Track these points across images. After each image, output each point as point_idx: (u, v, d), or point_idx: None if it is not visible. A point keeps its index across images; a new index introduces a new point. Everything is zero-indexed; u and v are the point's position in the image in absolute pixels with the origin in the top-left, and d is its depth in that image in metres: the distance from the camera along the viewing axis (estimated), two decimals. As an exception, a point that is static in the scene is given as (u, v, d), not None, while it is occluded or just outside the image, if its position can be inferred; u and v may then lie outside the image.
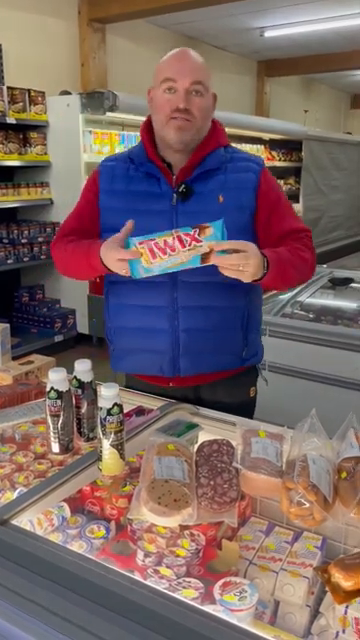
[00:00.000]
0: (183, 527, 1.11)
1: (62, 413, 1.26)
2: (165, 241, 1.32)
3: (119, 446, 1.17)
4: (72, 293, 5.21)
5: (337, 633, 0.96)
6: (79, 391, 1.31)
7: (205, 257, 1.32)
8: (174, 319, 1.55)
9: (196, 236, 1.31)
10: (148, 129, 1.59)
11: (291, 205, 1.66)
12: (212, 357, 1.59)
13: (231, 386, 1.67)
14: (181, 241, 1.31)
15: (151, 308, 1.56)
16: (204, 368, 1.60)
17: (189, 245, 1.31)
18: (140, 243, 1.33)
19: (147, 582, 0.94)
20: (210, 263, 1.33)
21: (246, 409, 1.68)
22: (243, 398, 1.71)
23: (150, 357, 1.60)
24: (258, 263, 1.34)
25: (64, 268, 1.65)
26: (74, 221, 1.67)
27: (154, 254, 1.33)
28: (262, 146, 7.45)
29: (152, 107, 1.55)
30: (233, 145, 1.66)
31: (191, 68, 1.48)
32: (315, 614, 1.03)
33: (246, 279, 1.35)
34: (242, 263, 1.32)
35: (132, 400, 1.55)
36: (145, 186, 1.54)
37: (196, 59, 1.51)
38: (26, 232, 4.81)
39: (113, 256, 1.37)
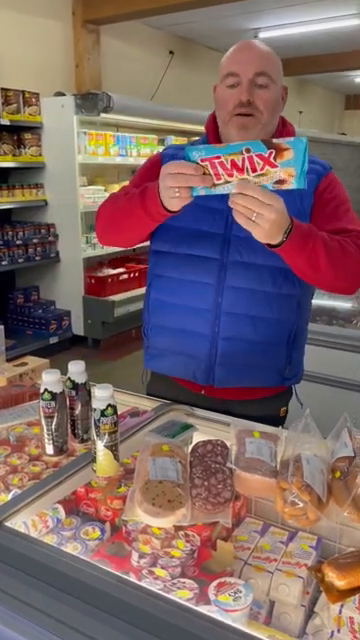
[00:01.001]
0: (178, 528, 1.11)
1: (56, 414, 1.26)
2: (233, 161, 1.12)
3: (113, 447, 1.17)
4: (67, 294, 5.20)
5: (332, 633, 0.96)
6: (73, 392, 1.31)
7: (277, 186, 1.13)
8: (215, 325, 1.46)
9: (271, 159, 1.11)
10: (213, 123, 1.50)
11: (350, 207, 1.48)
12: (252, 371, 1.49)
13: (264, 404, 1.56)
14: (252, 163, 1.11)
15: (192, 310, 1.48)
16: (241, 382, 1.50)
17: (261, 169, 1.11)
18: (203, 160, 1.14)
19: (142, 583, 0.93)
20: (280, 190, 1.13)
21: (273, 425, 1.56)
22: (272, 416, 1.56)
23: (185, 361, 1.52)
24: (278, 222, 1.17)
25: (109, 216, 1.47)
26: (132, 187, 1.48)
27: (218, 175, 1.14)
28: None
29: (216, 104, 1.45)
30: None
31: (254, 58, 1.37)
32: (310, 614, 1.03)
33: (259, 236, 1.19)
34: (256, 210, 1.14)
35: (126, 401, 1.55)
36: None
37: (261, 48, 1.40)
38: (21, 233, 4.80)
39: (171, 170, 1.19)
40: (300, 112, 10.10)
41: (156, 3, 5.18)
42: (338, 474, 1.09)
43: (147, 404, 1.53)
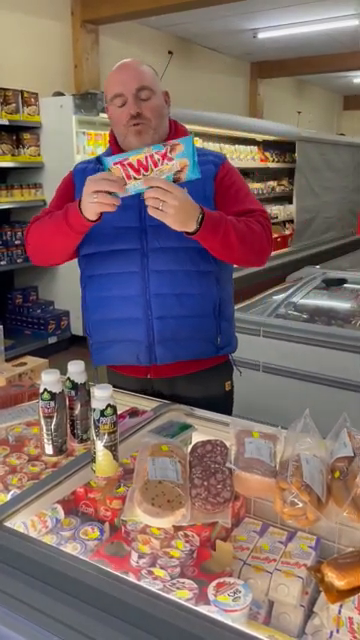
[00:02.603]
0: (177, 528, 1.11)
1: (55, 414, 1.26)
2: (139, 161, 1.33)
3: (113, 447, 1.17)
4: (66, 295, 5.20)
5: (331, 633, 0.96)
6: (72, 392, 1.31)
7: (177, 176, 1.34)
8: (147, 308, 1.59)
9: (167, 154, 1.32)
10: (114, 139, 1.68)
11: (249, 190, 1.69)
12: (187, 344, 1.62)
13: (207, 379, 1.70)
14: (154, 161, 1.33)
15: (125, 298, 1.61)
16: (180, 355, 1.63)
17: (161, 164, 1.33)
18: (115, 163, 1.34)
19: (141, 583, 0.93)
20: (181, 181, 1.35)
21: (223, 404, 1.71)
22: (219, 392, 1.74)
23: (127, 347, 1.64)
24: (184, 208, 1.35)
25: (37, 239, 1.64)
26: (51, 209, 1.68)
27: (128, 175, 1.34)
28: (255, 147, 7.47)
29: (112, 123, 1.63)
30: (197, 145, 1.67)
31: (133, 75, 1.54)
32: (309, 614, 1.03)
33: (170, 222, 1.36)
34: (161, 200, 1.32)
35: (126, 401, 1.55)
36: None
37: (135, 66, 1.57)
38: (19, 233, 4.79)
39: (89, 185, 1.37)
40: (299, 112, 10.12)
41: (155, 3, 5.19)
42: (337, 474, 1.09)
43: (146, 404, 1.53)
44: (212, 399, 1.64)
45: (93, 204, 1.38)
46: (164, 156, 1.32)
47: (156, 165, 1.33)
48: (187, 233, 1.41)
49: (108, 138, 1.72)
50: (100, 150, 5.05)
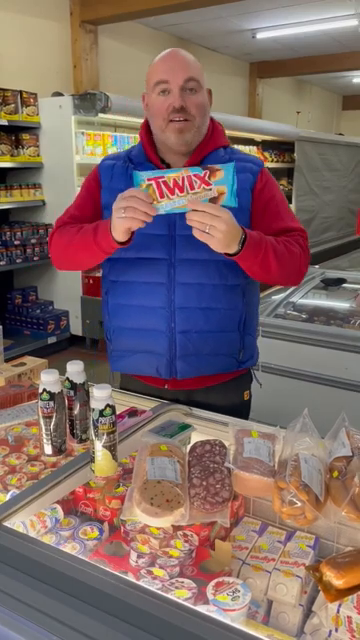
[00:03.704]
0: (176, 528, 1.11)
1: (54, 415, 1.26)
2: (175, 180, 1.28)
3: (112, 447, 1.17)
4: (65, 295, 5.20)
5: (330, 632, 0.96)
6: (71, 392, 1.31)
7: (212, 202, 1.29)
8: (171, 320, 1.53)
9: (206, 178, 1.28)
10: (147, 131, 1.58)
11: (288, 205, 1.62)
12: (209, 359, 1.57)
13: (225, 390, 1.65)
14: (190, 183, 1.28)
15: (149, 309, 1.55)
16: (201, 370, 1.58)
17: (198, 188, 1.28)
18: (149, 179, 1.29)
19: (140, 583, 0.94)
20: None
21: (240, 412, 1.66)
22: (237, 401, 1.69)
23: (147, 358, 1.59)
24: (231, 232, 1.30)
25: (63, 250, 1.57)
26: (75, 210, 1.63)
27: (162, 193, 1.29)
28: (255, 147, 7.48)
29: (149, 113, 1.53)
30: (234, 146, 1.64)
31: (182, 66, 1.45)
32: (308, 613, 1.03)
33: (215, 246, 1.32)
34: (208, 224, 1.27)
35: (125, 401, 1.55)
36: None
37: (186, 56, 1.49)
38: (19, 234, 4.80)
39: (119, 202, 1.32)
40: (298, 112, 10.11)
41: (154, 3, 5.19)
42: (336, 474, 1.10)
43: (145, 404, 1.53)
44: (230, 408, 1.58)
45: (122, 219, 1.33)
46: (202, 180, 1.28)
47: (192, 188, 1.28)
48: (227, 254, 1.36)
49: (140, 128, 1.62)
50: (99, 150, 5.05)
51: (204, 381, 1.62)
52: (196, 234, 1.30)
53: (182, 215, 1.48)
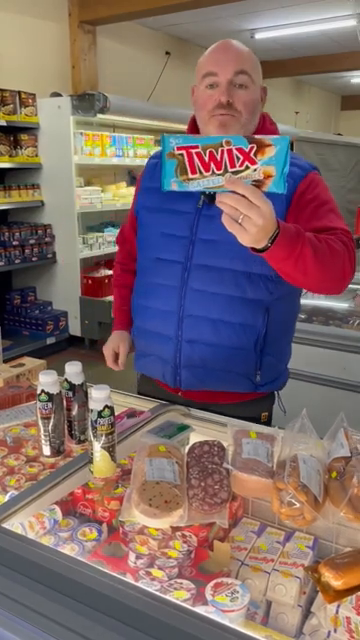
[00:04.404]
0: (175, 529, 1.11)
1: (53, 415, 1.26)
2: (211, 153, 1.04)
3: (110, 448, 1.17)
4: (64, 295, 5.20)
5: (329, 633, 0.96)
6: (70, 393, 1.31)
7: (255, 185, 1.05)
8: (179, 327, 1.47)
9: (251, 155, 1.03)
10: (193, 126, 1.51)
11: (335, 206, 1.42)
12: (218, 374, 1.48)
13: (242, 409, 1.53)
14: (231, 158, 1.03)
15: (161, 312, 1.50)
16: (207, 384, 1.50)
17: (240, 165, 1.04)
18: (179, 148, 1.05)
19: (139, 584, 0.94)
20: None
21: None
22: (252, 420, 1.48)
23: (155, 362, 1.56)
24: (267, 228, 1.08)
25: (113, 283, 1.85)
26: (130, 214, 1.68)
27: (194, 167, 1.05)
28: (253, 147, 7.47)
29: (195, 105, 1.44)
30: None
31: (233, 58, 1.35)
32: (307, 614, 1.03)
33: (244, 240, 1.09)
34: (243, 212, 1.05)
35: (123, 402, 1.55)
36: None
37: (239, 48, 1.38)
38: (17, 234, 4.79)
39: (112, 345, 1.70)
40: (296, 113, 10.12)
41: (152, 4, 5.18)
42: (334, 474, 1.10)
43: (144, 405, 1.53)
44: None
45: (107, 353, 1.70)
46: (246, 156, 1.03)
47: (233, 165, 1.04)
48: (253, 249, 1.14)
49: (187, 125, 1.52)
50: (97, 151, 5.06)
51: (216, 397, 1.53)
52: (225, 221, 1.08)
53: (206, 217, 1.41)
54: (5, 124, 4.48)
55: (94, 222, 5.61)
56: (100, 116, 4.83)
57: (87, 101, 4.72)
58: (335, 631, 0.96)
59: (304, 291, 1.61)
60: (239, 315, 1.42)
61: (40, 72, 5.32)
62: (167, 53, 6.94)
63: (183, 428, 1.38)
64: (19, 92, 4.62)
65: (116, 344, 1.70)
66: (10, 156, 4.66)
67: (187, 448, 1.27)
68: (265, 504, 1.21)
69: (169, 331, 1.49)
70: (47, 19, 5.39)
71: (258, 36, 7.25)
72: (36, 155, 4.87)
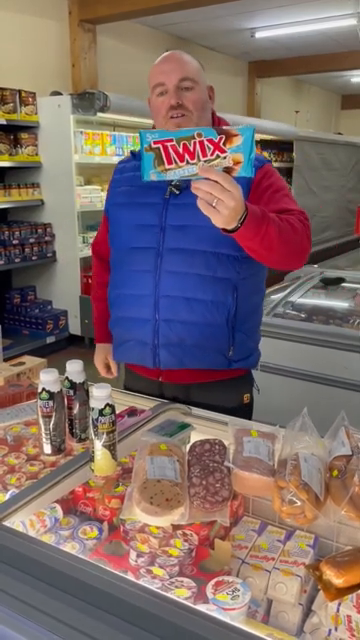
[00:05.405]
0: (176, 527, 1.11)
1: (54, 414, 1.26)
2: (185, 145, 1.15)
3: (111, 447, 1.17)
4: (64, 294, 5.20)
5: (329, 631, 0.96)
6: (71, 392, 1.31)
7: (226, 172, 1.16)
8: (155, 308, 1.56)
9: (221, 145, 1.14)
10: None
11: (289, 192, 1.58)
12: (193, 351, 1.56)
13: (223, 390, 1.64)
14: (203, 148, 1.15)
15: (137, 297, 1.59)
16: (185, 362, 1.57)
17: (211, 155, 1.15)
18: (156, 142, 1.16)
19: (140, 582, 0.94)
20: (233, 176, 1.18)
21: (240, 415, 1.59)
22: (236, 404, 1.66)
23: (134, 347, 1.63)
24: (237, 209, 1.21)
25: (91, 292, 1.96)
26: (103, 227, 1.80)
27: (170, 158, 1.17)
28: (253, 147, 7.46)
29: (152, 114, 1.59)
30: None
31: (176, 66, 1.51)
32: (307, 612, 1.03)
33: (217, 221, 1.22)
34: (217, 196, 1.17)
35: (124, 401, 1.55)
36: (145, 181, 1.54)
37: (181, 57, 1.54)
38: (17, 233, 4.79)
39: (101, 358, 1.86)
40: (297, 112, 10.11)
41: (152, 3, 5.18)
42: (335, 473, 1.10)
43: (145, 403, 1.53)
44: (229, 410, 1.53)
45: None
46: (216, 146, 1.14)
47: (205, 154, 1.15)
48: (224, 230, 1.27)
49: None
50: (98, 150, 5.05)
51: (194, 376, 1.61)
52: (200, 205, 1.21)
53: (174, 205, 1.55)
54: (5, 123, 4.47)
55: (94, 221, 5.59)
56: (100, 115, 4.83)
57: (87, 100, 4.72)
58: (336, 629, 0.96)
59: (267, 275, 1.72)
60: (210, 293, 1.53)
61: (40, 71, 5.31)
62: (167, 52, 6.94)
63: (184, 426, 1.38)
64: (19, 91, 4.62)
65: (104, 355, 1.86)
66: (10, 155, 4.65)
67: (188, 446, 1.27)
68: (266, 503, 1.21)
69: (146, 313, 1.57)
70: (47, 18, 5.38)
71: (258, 35, 7.24)
72: (36, 154, 4.87)
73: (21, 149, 4.74)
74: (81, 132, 4.91)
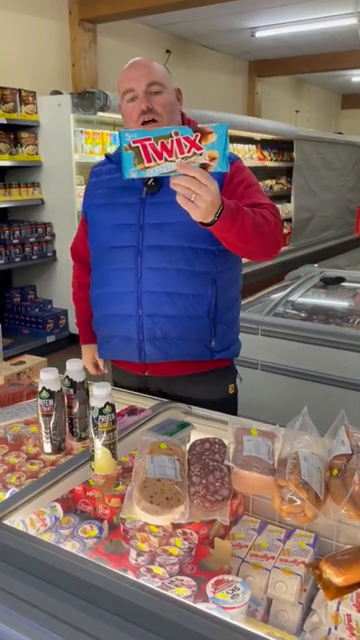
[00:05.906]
0: (176, 526, 1.11)
1: (54, 413, 1.26)
2: (163, 143, 1.21)
3: (111, 445, 1.17)
4: (64, 293, 5.18)
5: (329, 630, 0.96)
6: (71, 391, 1.31)
7: (202, 167, 1.22)
8: (138, 305, 1.60)
9: (197, 142, 1.20)
10: None
11: (259, 188, 1.65)
12: (178, 344, 1.61)
13: (207, 381, 1.69)
14: (180, 146, 1.21)
15: (120, 294, 1.63)
16: (170, 355, 1.62)
17: (188, 152, 1.21)
18: (135, 142, 1.22)
19: (140, 581, 0.94)
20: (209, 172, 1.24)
21: (225, 406, 1.67)
22: (221, 394, 1.72)
23: (120, 343, 1.67)
24: (213, 203, 1.27)
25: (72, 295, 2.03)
26: (81, 227, 1.84)
27: (149, 157, 1.22)
28: (254, 146, 7.47)
29: (124, 120, 1.64)
30: None
31: (144, 72, 1.57)
32: (307, 611, 1.03)
33: (195, 215, 1.28)
34: (195, 191, 1.23)
35: (124, 400, 1.55)
36: (122, 182, 1.57)
37: (147, 63, 1.60)
38: (17, 232, 4.79)
39: (88, 358, 1.90)
40: (297, 111, 10.11)
41: (152, 2, 5.18)
42: (335, 472, 1.10)
43: (145, 402, 1.53)
44: (214, 401, 1.60)
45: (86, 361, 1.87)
46: (192, 144, 1.20)
47: (182, 152, 1.20)
48: (202, 224, 1.34)
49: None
50: (98, 149, 5.05)
51: (180, 368, 1.65)
52: (180, 200, 1.26)
53: (150, 204, 1.60)
54: (5, 122, 4.47)
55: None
56: (100, 114, 4.82)
57: (87, 99, 4.71)
58: (336, 628, 0.96)
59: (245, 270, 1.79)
60: (191, 287, 1.59)
61: (40, 70, 5.31)
62: (167, 51, 6.94)
63: (184, 425, 1.38)
64: (19, 90, 4.61)
65: (91, 355, 1.93)
66: (10, 154, 4.65)
67: (188, 446, 1.28)
68: (266, 502, 1.21)
69: (130, 310, 1.62)
70: (47, 17, 5.38)
71: (258, 34, 7.24)
72: (36, 153, 4.87)
73: (21, 148, 4.74)
74: (81, 131, 4.90)
